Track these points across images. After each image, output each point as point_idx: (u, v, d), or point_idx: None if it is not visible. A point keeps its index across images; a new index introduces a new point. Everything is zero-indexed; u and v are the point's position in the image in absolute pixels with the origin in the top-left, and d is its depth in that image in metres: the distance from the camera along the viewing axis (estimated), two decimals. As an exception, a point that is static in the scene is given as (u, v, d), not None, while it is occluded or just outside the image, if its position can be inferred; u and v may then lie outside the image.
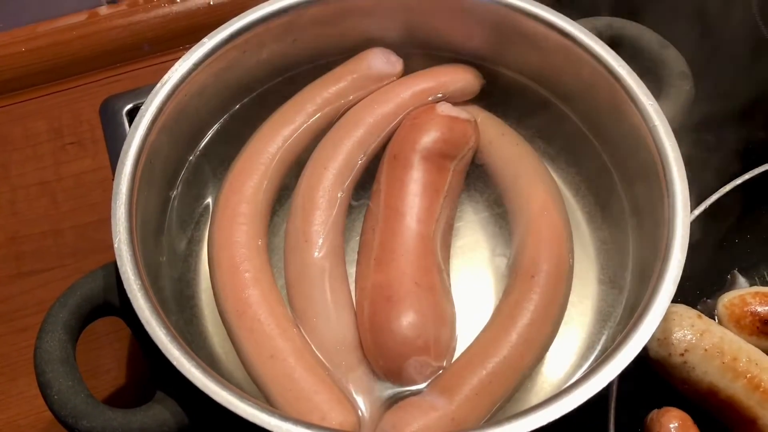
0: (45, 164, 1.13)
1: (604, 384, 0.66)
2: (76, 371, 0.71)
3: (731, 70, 0.97)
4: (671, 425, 0.78)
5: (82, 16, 1.19)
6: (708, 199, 0.89)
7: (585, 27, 0.87)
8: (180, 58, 0.86)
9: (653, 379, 0.82)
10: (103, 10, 1.20)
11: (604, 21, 0.93)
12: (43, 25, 1.18)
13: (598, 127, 0.90)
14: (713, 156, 0.91)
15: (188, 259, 0.87)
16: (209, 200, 0.90)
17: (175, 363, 0.67)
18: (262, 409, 0.65)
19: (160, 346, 0.68)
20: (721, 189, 0.90)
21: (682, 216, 0.74)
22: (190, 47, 0.87)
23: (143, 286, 0.71)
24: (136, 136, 0.80)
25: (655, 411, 0.80)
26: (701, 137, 0.88)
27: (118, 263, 0.72)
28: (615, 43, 0.88)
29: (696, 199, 0.84)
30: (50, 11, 1.18)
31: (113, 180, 0.76)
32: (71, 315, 0.74)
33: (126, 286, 0.71)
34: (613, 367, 0.67)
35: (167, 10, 1.20)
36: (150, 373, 0.74)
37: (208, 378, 0.67)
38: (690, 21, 0.95)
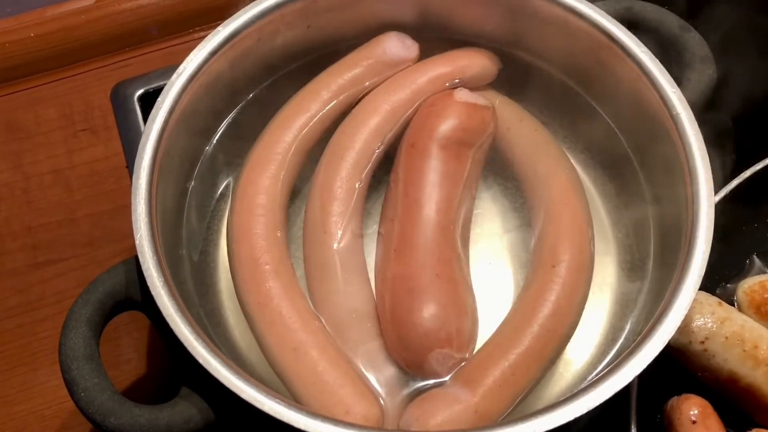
0: (57, 152, 1.12)
1: (629, 379, 0.66)
2: (101, 368, 0.72)
3: (754, 53, 0.96)
4: (691, 412, 0.78)
5: (90, 0, 1.17)
6: (728, 185, 0.88)
7: (604, 10, 0.85)
8: (189, 41, 0.85)
9: (673, 366, 0.83)
10: (111, -8, 1.18)
11: (623, 4, 0.91)
12: (51, 9, 1.17)
13: (619, 113, 0.89)
14: (733, 140, 0.90)
15: (207, 250, 0.87)
16: (226, 189, 0.90)
17: (200, 360, 0.68)
18: (289, 406, 0.65)
19: (186, 344, 0.68)
20: (741, 174, 0.89)
21: (706, 207, 0.73)
22: (199, 30, 0.85)
23: (166, 283, 0.71)
24: (153, 129, 0.79)
25: (675, 398, 0.80)
26: (721, 121, 0.87)
27: (140, 260, 0.72)
28: (634, 26, 0.87)
29: (715, 184, 0.84)
30: (58, -6, 1.17)
31: (127, 167, 0.74)
32: (94, 311, 0.74)
33: (149, 283, 0.71)
34: (637, 362, 0.67)
35: (175, -8, 1.18)
36: (174, 368, 0.74)
37: (234, 375, 0.67)
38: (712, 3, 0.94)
